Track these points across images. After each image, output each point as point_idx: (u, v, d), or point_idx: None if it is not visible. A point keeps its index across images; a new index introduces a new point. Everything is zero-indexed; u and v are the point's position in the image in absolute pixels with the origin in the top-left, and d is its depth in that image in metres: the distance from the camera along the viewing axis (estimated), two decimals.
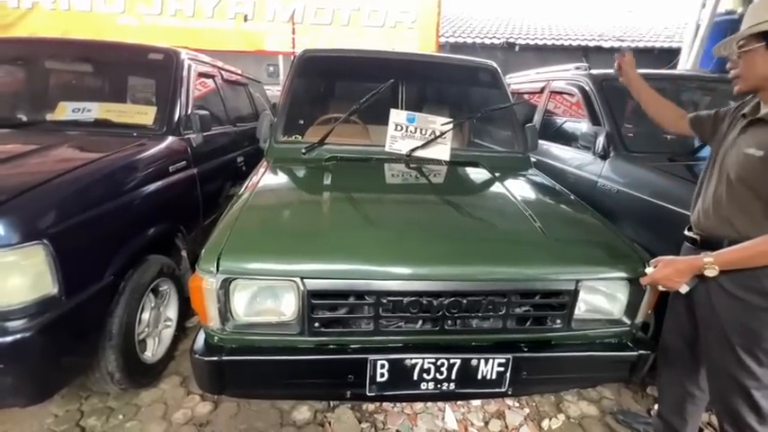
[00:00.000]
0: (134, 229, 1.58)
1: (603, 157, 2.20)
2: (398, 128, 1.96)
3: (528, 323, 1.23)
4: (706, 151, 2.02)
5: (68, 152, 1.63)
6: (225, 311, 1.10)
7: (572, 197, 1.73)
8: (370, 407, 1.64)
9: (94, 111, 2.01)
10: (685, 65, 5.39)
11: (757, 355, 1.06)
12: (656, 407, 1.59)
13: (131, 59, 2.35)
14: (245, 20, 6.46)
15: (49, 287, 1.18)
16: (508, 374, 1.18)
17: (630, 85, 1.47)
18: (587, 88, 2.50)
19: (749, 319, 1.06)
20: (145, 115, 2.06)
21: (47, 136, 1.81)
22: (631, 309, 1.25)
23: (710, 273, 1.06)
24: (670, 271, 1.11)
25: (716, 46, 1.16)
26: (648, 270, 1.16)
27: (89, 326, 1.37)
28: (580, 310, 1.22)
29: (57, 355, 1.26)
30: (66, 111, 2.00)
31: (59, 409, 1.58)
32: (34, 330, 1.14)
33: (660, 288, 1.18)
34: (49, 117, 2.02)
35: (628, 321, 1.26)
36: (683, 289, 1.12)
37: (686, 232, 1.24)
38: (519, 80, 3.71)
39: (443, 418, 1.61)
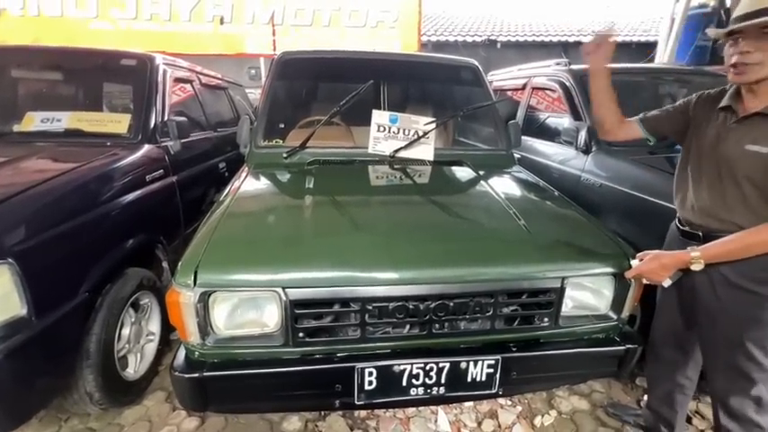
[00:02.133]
0: (110, 243, 1.52)
1: (586, 151, 2.22)
2: (381, 129, 1.94)
3: (516, 323, 1.22)
4: None
5: (35, 165, 1.56)
6: (205, 325, 1.07)
7: (556, 193, 1.73)
8: (362, 413, 1.61)
9: (65, 120, 1.94)
10: (662, 58, 5.51)
11: (764, 344, 1.07)
12: (645, 398, 1.61)
13: (103, 66, 2.26)
14: (222, 22, 6.36)
15: (17, 308, 1.12)
16: (498, 375, 1.17)
17: (596, 76, 1.26)
18: (568, 84, 2.52)
19: (759, 311, 1.05)
20: (118, 123, 1.99)
21: (13, 148, 1.73)
22: (617, 303, 1.25)
23: (696, 267, 1.06)
24: (655, 265, 1.10)
25: (730, 27, 1.02)
26: (634, 263, 1.16)
27: (64, 346, 1.31)
28: (567, 306, 1.21)
29: (29, 379, 1.20)
30: (34, 121, 1.93)
31: None
32: (3, 354, 1.08)
33: (644, 281, 1.18)
34: (16, 128, 1.94)
35: (614, 316, 1.26)
36: (666, 282, 1.12)
37: (681, 227, 1.21)
38: (501, 77, 3.72)
39: (436, 421, 1.59)
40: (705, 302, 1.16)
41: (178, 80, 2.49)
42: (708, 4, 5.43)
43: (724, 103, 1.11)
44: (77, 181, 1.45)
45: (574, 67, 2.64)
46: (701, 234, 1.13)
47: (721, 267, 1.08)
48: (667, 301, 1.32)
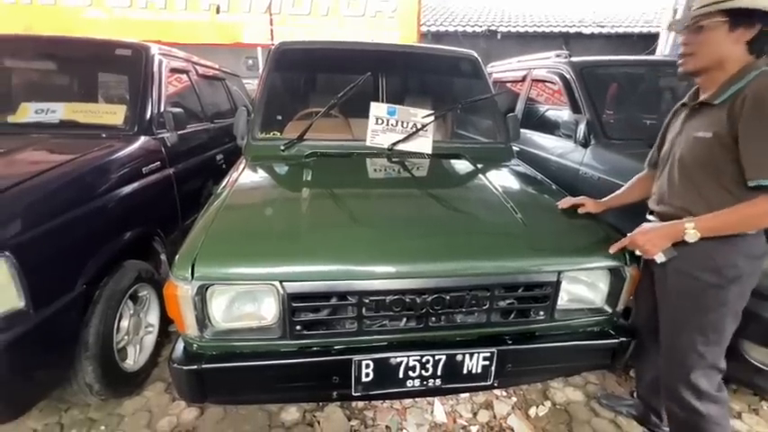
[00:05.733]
0: (106, 235, 1.52)
1: (585, 144, 2.22)
2: (379, 121, 1.93)
3: (511, 316, 1.23)
4: None
5: (30, 156, 1.55)
6: (203, 318, 1.07)
7: (554, 187, 1.73)
8: (359, 404, 1.64)
9: (59, 111, 1.92)
10: (664, 50, 5.46)
11: (705, 331, 1.11)
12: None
13: (97, 56, 2.23)
14: (218, 11, 6.25)
15: (15, 301, 1.13)
16: (493, 368, 1.18)
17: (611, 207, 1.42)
18: (568, 76, 2.50)
19: (700, 296, 1.10)
20: (114, 115, 1.97)
21: (7, 140, 1.71)
22: (612, 297, 1.26)
23: (691, 238, 1.04)
24: (651, 235, 1.11)
25: (671, 22, 1.15)
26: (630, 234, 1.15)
27: (62, 338, 1.32)
28: (562, 300, 1.22)
29: (28, 371, 1.21)
30: (28, 112, 1.90)
31: (38, 423, 1.53)
32: (2, 346, 1.09)
33: (637, 253, 1.16)
34: (10, 119, 1.92)
35: (609, 309, 1.27)
36: (659, 257, 1.11)
37: (648, 216, 1.26)
38: (501, 69, 3.69)
39: (432, 412, 1.61)
40: (660, 291, 1.22)
41: (174, 70, 2.47)
42: None
43: (683, 100, 1.19)
44: (73, 173, 1.44)
45: (574, 59, 2.62)
46: (657, 221, 1.18)
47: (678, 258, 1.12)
48: (642, 293, 1.34)
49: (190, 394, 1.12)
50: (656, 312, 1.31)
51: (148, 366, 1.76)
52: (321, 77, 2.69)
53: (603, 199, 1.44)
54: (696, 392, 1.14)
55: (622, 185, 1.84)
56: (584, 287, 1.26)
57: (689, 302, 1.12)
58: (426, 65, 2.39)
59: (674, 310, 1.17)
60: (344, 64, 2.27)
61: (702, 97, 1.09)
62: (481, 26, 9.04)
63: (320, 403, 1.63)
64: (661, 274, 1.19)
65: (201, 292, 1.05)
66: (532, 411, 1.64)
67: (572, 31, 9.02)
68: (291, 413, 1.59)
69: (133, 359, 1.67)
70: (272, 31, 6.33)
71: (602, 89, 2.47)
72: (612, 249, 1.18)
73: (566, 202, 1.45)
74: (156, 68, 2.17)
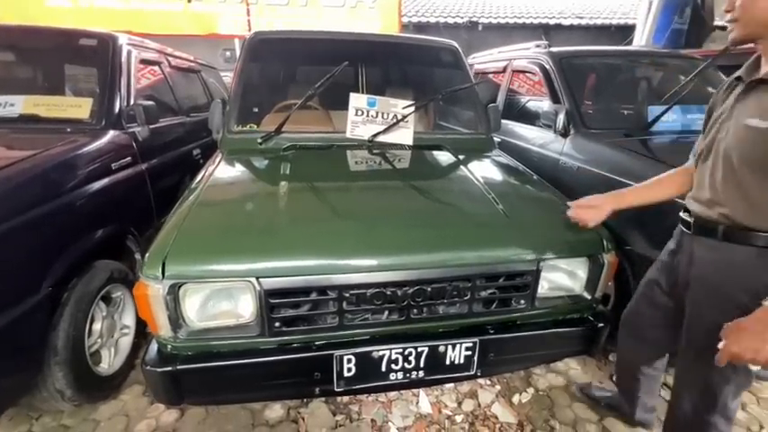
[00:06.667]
0: (73, 235, 1.45)
1: (564, 134, 2.23)
2: (359, 112, 1.89)
3: (493, 305, 1.23)
4: (662, 125, 2.11)
5: None
6: (176, 318, 1.04)
7: (534, 177, 1.74)
8: (344, 398, 1.62)
9: (18, 105, 1.81)
10: (640, 41, 5.57)
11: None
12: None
13: (60, 46, 2.11)
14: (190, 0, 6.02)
15: None
16: (476, 357, 1.18)
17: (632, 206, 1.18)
18: (547, 66, 2.51)
19: (728, 316, 0.88)
20: (79, 108, 1.87)
21: None
22: (591, 283, 1.28)
23: None
24: (759, 342, 0.77)
25: None
26: (722, 345, 0.85)
27: (28, 343, 1.26)
28: (543, 288, 1.23)
29: None
30: None
31: None
32: None
33: (752, 367, 0.84)
34: None
35: (588, 296, 1.29)
36: None
37: (681, 214, 1.10)
38: (482, 59, 3.68)
39: (418, 403, 1.62)
40: (695, 311, 1.07)
41: (145, 62, 2.36)
42: None
43: (737, 73, 0.96)
44: (34, 170, 1.35)
45: (553, 49, 2.63)
46: (691, 222, 1.04)
47: (715, 276, 0.98)
48: (649, 297, 1.23)
49: (166, 396, 1.09)
50: (660, 321, 1.22)
51: (125, 369, 1.70)
52: (299, 68, 2.63)
53: (619, 192, 1.21)
54: (713, 409, 1.05)
55: (602, 174, 1.89)
56: (563, 275, 1.27)
57: (718, 322, 0.88)
58: (407, 55, 2.36)
59: (707, 330, 0.97)
60: (323, 54, 2.21)
61: (764, 71, 0.86)
62: (462, 17, 9.02)
63: (304, 399, 1.61)
64: (702, 293, 1.03)
65: (174, 291, 1.01)
66: (516, 399, 1.67)
67: (552, 22, 9.10)
68: (275, 410, 1.57)
69: (108, 363, 1.61)
70: (249, 21, 6.15)
71: (580, 79, 2.49)
72: (722, 359, 0.85)
73: (577, 210, 1.21)
74: (124, 59, 2.07)
